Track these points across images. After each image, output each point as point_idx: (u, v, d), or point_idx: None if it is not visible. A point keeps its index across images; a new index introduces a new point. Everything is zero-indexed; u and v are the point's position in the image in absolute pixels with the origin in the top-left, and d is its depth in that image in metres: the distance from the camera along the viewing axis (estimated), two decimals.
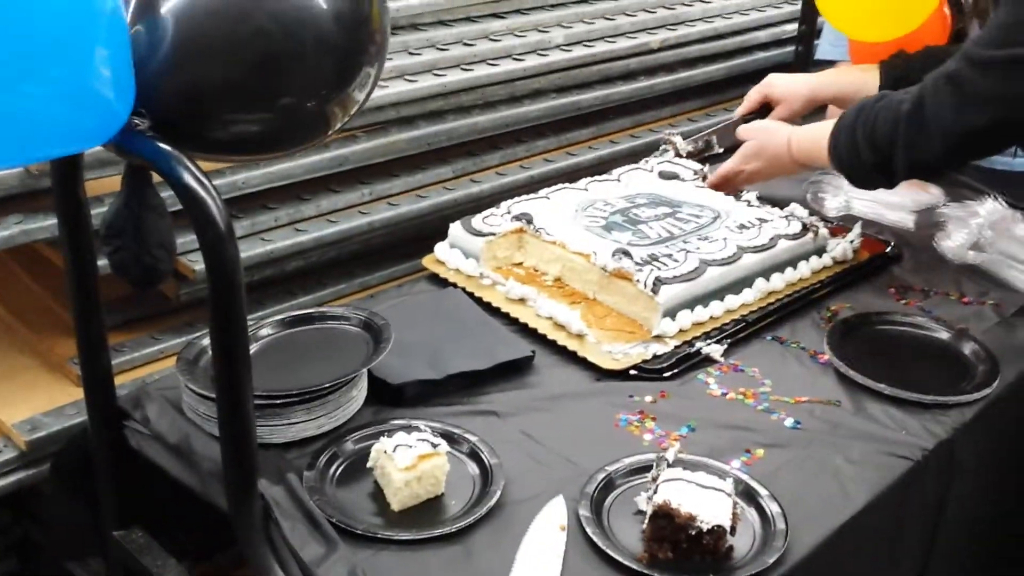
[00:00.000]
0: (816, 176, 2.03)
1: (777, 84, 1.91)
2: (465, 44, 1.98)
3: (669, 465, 1.18)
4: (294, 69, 1.08)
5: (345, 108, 1.16)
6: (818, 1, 2.00)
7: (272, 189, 1.76)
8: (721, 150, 1.90)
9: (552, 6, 2.15)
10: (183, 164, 0.99)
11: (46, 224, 1.47)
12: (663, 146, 1.96)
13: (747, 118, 1.88)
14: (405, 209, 1.89)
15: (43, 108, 0.92)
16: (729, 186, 1.79)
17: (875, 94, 1.58)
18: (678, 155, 1.93)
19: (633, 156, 2.25)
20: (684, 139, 1.96)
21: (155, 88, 1.03)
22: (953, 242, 1.80)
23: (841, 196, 1.96)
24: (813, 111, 1.92)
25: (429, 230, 1.97)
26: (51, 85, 0.92)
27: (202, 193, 0.98)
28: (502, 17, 2.06)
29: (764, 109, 1.91)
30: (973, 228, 1.82)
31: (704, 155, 1.94)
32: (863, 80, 1.81)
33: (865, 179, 1.58)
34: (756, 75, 2.48)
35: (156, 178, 1.06)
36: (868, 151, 1.50)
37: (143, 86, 1.02)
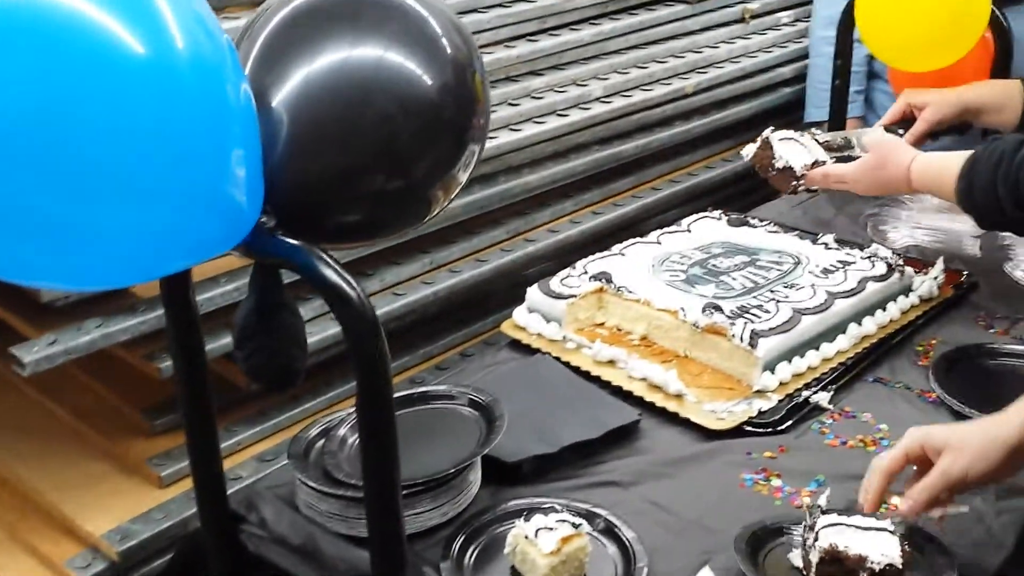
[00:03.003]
0: (873, 208, 2.02)
1: (924, 91, 1.87)
2: (510, 104, 1.96)
3: (823, 512, 1.14)
4: (414, 152, 1.05)
5: (448, 190, 1.13)
6: (862, 32, 2.00)
7: None
8: (862, 154, 1.78)
9: (586, 59, 2.13)
10: (323, 260, 0.95)
11: (126, 325, 1.43)
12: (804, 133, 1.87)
13: (889, 128, 1.83)
14: (468, 275, 1.86)
15: (177, 219, 0.87)
16: (825, 184, 1.77)
17: (1006, 137, 1.54)
18: (815, 140, 1.84)
19: (676, 203, 2.25)
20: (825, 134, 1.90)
21: (276, 183, 1.00)
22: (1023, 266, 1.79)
23: (902, 228, 1.95)
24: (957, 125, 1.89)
25: (479, 294, 1.95)
26: (187, 194, 0.87)
27: (347, 289, 0.94)
28: (540, 74, 2.05)
29: (906, 122, 1.87)
30: None
31: (841, 152, 1.85)
32: (1008, 94, 1.79)
33: (1003, 226, 1.59)
34: (783, 110, 2.50)
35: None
36: (1012, 206, 1.45)
37: (265, 182, 0.98)
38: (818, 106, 2.36)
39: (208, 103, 0.85)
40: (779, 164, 1.76)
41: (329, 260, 0.95)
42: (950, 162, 1.55)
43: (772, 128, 1.83)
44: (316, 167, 1.01)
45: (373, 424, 0.97)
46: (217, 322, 1.48)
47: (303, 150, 1.01)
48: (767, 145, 1.79)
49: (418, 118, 1.04)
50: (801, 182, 1.77)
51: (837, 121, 2.20)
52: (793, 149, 1.79)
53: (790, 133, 1.83)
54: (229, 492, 1.40)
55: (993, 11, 1.90)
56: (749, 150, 1.84)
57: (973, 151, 1.52)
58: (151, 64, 0.81)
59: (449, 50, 1.08)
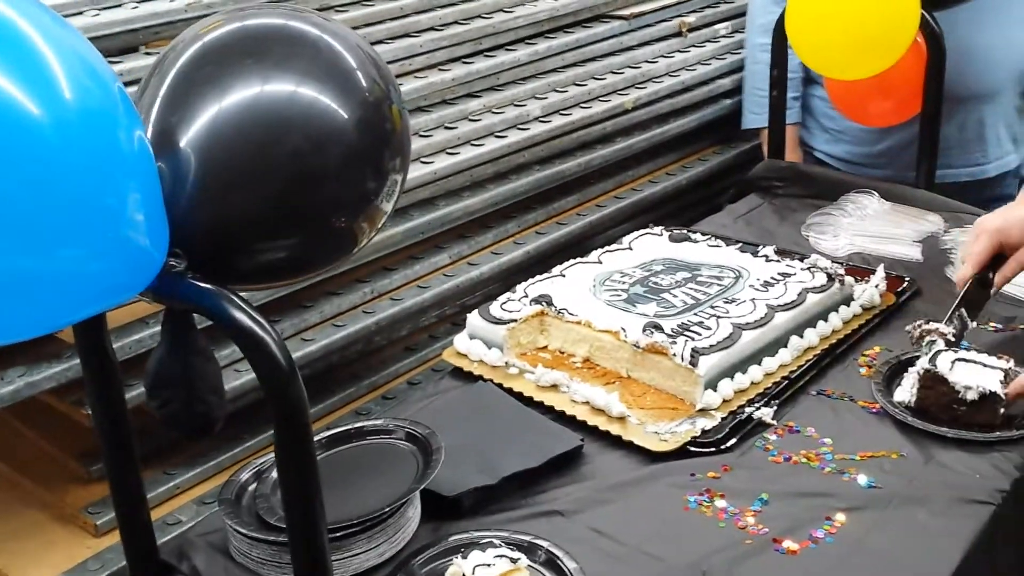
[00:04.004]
0: (815, 216, 2.02)
1: (1013, 228, 1.52)
2: (447, 127, 1.94)
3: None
4: (331, 188, 1.02)
5: (373, 221, 1.10)
6: (793, 43, 2.00)
7: (273, 301, 1.68)
8: (975, 324, 1.56)
9: (523, 79, 2.12)
10: (234, 303, 0.92)
11: (51, 373, 1.39)
12: (927, 338, 1.51)
13: (979, 275, 1.55)
14: (409, 302, 1.83)
15: (76, 267, 0.84)
16: None
17: None
18: (948, 343, 1.49)
19: (621, 219, 2.24)
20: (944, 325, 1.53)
21: (185, 225, 0.97)
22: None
23: (843, 236, 1.95)
24: None
25: (425, 321, 1.92)
26: (84, 242, 0.84)
27: (260, 333, 0.91)
28: (477, 96, 2.03)
29: (995, 259, 1.55)
30: None
31: (963, 333, 1.54)
32: None
33: None
34: (723, 122, 2.50)
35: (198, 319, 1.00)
36: None
37: (172, 225, 0.96)
38: (755, 112, 2.35)
39: (99, 151, 0.82)
40: (970, 396, 1.40)
41: (241, 303, 0.92)
42: None
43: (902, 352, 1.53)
44: (227, 207, 0.98)
45: (293, 472, 0.94)
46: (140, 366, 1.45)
47: (213, 190, 0.98)
48: (935, 379, 1.42)
49: (334, 154, 1.02)
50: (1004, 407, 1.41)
51: (776, 131, 2.20)
52: (968, 371, 1.43)
53: (939, 345, 1.48)
54: (167, 539, 1.37)
55: (923, 15, 1.91)
56: (908, 393, 1.46)
57: None
58: (39, 116, 0.78)
59: (364, 83, 1.06)
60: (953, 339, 1.49)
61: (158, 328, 1.46)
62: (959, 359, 1.43)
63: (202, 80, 1.02)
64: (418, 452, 1.30)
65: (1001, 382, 1.39)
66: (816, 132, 2.31)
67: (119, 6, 1.61)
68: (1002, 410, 1.39)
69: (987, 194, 2.20)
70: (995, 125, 2.22)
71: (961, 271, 1.56)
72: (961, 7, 1.99)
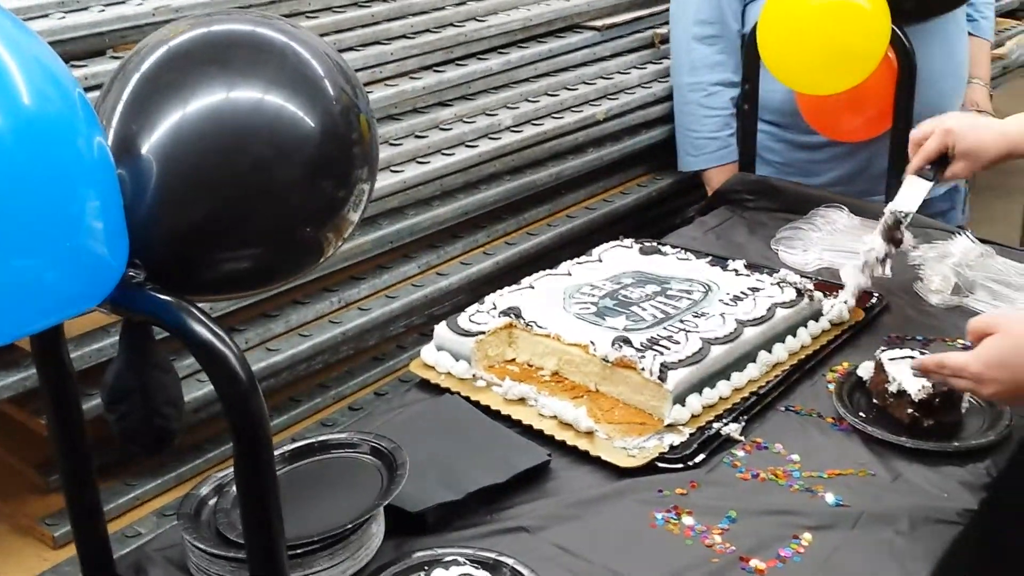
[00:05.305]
0: (785, 231, 2.02)
1: (961, 134, 1.63)
2: (417, 136, 1.92)
3: None
4: (297, 198, 1.00)
5: (340, 231, 1.09)
6: (765, 58, 2.01)
7: (238, 310, 1.66)
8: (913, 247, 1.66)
9: (495, 88, 2.11)
10: (193, 316, 0.90)
11: (9, 382, 1.36)
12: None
13: (923, 172, 1.67)
14: (377, 312, 1.81)
15: (32, 278, 0.82)
16: (935, 376, 1.38)
17: None
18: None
19: (592, 229, 2.23)
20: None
21: (145, 235, 0.95)
22: (935, 286, 1.79)
23: (812, 250, 1.95)
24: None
25: (393, 330, 1.91)
26: (41, 251, 0.82)
27: (219, 346, 0.89)
28: (448, 105, 2.01)
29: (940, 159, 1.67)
30: (950, 269, 1.81)
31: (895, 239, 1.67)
32: None
33: None
34: None
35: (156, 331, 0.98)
36: None
37: (132, 234, 0.94)
38: (692, 155, 2.30)
39: (57, 158, 0.80)
40: (892, 388, 1.44)
41: (201, 316, 0.90)
42: None
43: (883, 348, 1.53)
44: (189, 216, 0.96)
45: (252, 488, 0.92)
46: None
47: (174, 199, 0.96)
48: (878, 368, 1.49)
49: (299, 163, 1.01)
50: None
51: (747, 145, 2.20)
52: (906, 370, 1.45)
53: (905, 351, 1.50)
54: (125, 552, 1.34)
55: (894, 30, 1.92)
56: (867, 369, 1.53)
57: None
58: None
59: (331, 91, 1.04)
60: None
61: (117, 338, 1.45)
62: (906, 357, 1.46)
63: (165, 86, 1.00)
64: (383, 467, 1.27)
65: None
66: (759, 167, 2.26)
67: (85, 9, 1.58)
68: (964, 407, 1.41)
69: (931, 209, 2.22)
70: None
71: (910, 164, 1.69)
72: (911, 29, 1.99)
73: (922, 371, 1.39)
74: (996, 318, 1.35)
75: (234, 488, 1.22)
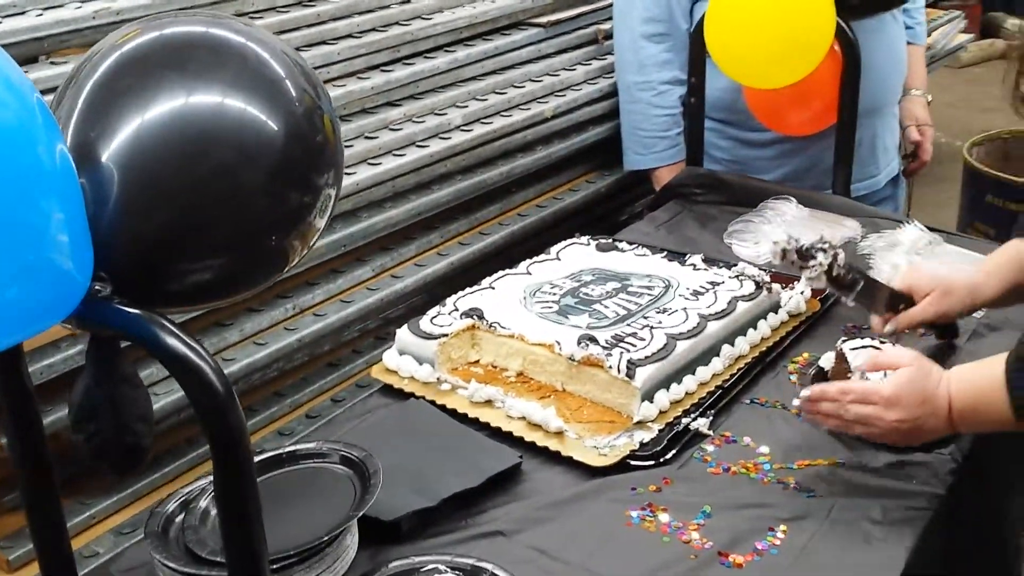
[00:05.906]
0: (737, 224, 2.03)
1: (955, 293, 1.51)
2: (367, 137, 1.89)
3: None
4: (261, 204, 0.97)
5: (306, 238, 1.06)
6: (712, 52, 2.01)
7: (190, 320, 1.62)
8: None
9: (443, 87, 2.08)
10: (165, 328, 0.87)
11: None
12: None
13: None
14: (333, 318, 1.78)
15: None
16: (825, 407, 1.32)
17: None
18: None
19: (544, 227, 2.22)
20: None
21: (109, 246, 0.91)
22: (885, 275, 1.81)
23: (764, 242, 1.96)
24: None
25: (348, 335, 1.88)
26: (2, 266, 0.78)
27: (194, 358, 0.86)
28: (397, 105, 1.99)
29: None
30: (901, 258, 1.84)
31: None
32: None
33: None
34: None
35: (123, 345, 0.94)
36: None
37: (96, 246, 0.90)
38: (639, 153, 2.29)
39: (18, 169, 0.76)
40: (855, 377, 1.39)
41: (173, 328, 0.87)
42: (988, 376, 1.23)
43: (843, 338, 1.53)
44: (152, 226, 0.93)
45: (233, 500, 0.89)
46: (60, 390, 1.37)
47: (137, 208, 0.93)
48: (841, 358, 1.46)
49: (263, 167, 0.97)
50: None
51: (695, 137, 2.20)
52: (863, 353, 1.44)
53: (866, 341, 1.49)
54: (84, 572, 1.30)
55: (839, 23, 1.93)
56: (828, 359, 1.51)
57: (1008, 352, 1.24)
58: None
59: (293, 92, 1.01)
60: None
61: (72, 352, 1.40)
62: (867, 346, 1.44)
63: (122, 92, 0.96)
64: (354, 476, 1.25)
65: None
66: (707, 165, 2.25)
67: (23, 13, 1.53)
68: None
69: (874, 199, 2.26)
70: (883, 136, 2.30)
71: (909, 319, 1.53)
72: (855, 25, 2.01)
73: (811, 400, 1.31)
74: (900, 354, 1.31)
75: (202, 503, 1.19)
